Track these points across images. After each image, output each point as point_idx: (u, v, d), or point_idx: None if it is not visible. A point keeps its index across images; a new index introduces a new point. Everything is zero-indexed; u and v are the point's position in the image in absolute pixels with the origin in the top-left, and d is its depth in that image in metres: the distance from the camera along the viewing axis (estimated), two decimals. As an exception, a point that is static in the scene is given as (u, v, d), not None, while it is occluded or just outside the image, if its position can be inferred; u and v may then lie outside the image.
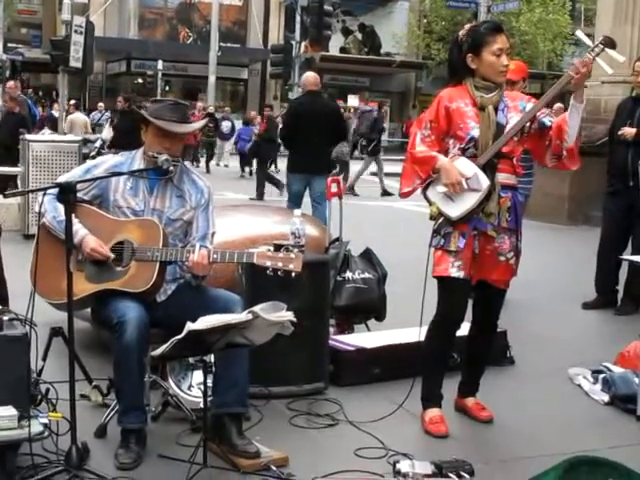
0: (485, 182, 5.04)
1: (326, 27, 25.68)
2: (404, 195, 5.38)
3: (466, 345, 5.62)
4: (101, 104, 33.27)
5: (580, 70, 4.95)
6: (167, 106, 5.09)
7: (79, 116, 26.59)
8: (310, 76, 11.94)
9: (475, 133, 5.11)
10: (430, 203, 5.21)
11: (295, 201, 11.07)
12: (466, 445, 5.15)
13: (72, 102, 28.76)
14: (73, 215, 4.50)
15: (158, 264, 4.79)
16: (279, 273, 4.63)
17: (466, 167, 5.07)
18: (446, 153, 5.22)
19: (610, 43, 5.06)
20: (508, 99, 5.26)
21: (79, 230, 4.80)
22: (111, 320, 4.68)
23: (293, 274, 4.63)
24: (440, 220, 5.19)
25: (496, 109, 5.16)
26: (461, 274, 5.17)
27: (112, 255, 4.84)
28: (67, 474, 4.20)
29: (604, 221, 9.17)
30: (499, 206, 5.15)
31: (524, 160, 8.84)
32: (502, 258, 5.24)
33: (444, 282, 5.23)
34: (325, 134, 11.22)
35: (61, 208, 4.66)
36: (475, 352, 5.60)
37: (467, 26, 5.36)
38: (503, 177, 5.17)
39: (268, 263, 4.63)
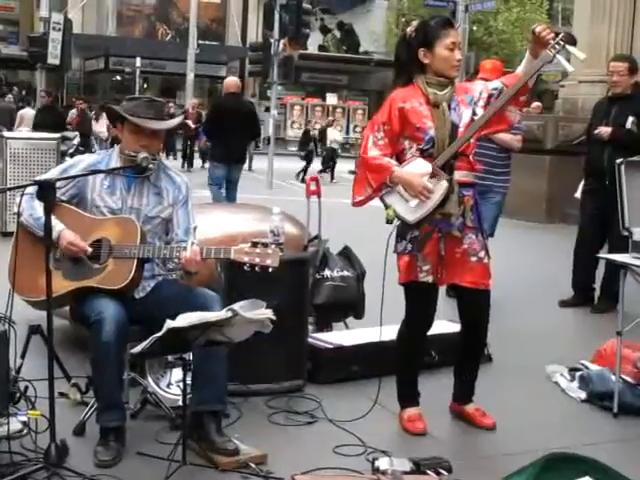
0: (443, 182, 4.97)
1: (305, 25, 25.68)
2: (357, 204, 5.24)
3: (458, 350, 5.54)
4: (80, 101, 32.50)
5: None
6: (143, 103, 5.08)
7: (28, 111, 26.83)
8: (231, 80, 14.21)
9: (432, 132, 5.04)
10: (386, 206, 5.11)
11: (217, 183, 13.30)
12: (444, 442, 5.18)
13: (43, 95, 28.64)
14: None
15: (136, 261, 4.80)
16: (256, 269, 4.64)
17: (422, 169, 5.00)
18: (401, 154, 5.15)
19: (571, 40, 5.03)
20: (457, 95, 5.18)
21: (56, 225, 4.78)
22: (88, 318, 4.68)
23: (270, 269, 4.64)
24: (399, 224, 5.12)
25: (449, 106, 5.11)
26: (430, 278, 5.15)
27: (89, 248, 4.84)
28: (46, 472, 4.20)
29: (581, 219, 9.22)
30: (463, 205, 5.11)
31: (501, 159, 8.93)
32: (474, 258, 5.18)
33: (412, 287, 5.21)
34: (243, 129, 13.17)
35: (38, 206, 4.67)
36: (464, 357, 5.52)
37: (415, 22, 5.29)
38: (461, 175, 5.10)
39: (245, 259, 4.64)
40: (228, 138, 12.81)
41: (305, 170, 27.45)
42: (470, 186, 5.19)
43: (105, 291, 4.77)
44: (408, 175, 5.00)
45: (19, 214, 4.84)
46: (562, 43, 4.94)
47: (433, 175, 4.96)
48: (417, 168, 5.02)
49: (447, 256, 5.15)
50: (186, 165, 29.30)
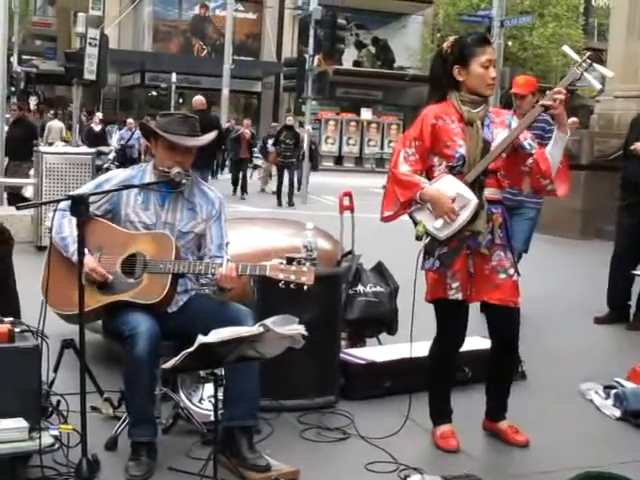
0: (473, 200, 4.95)
1: (339, 40, 25.71)
2: (386, 219, 5.20)
3: (487, 368, 5.50)
4: (130, 120, 30.30)
5: (555, 97, 4.90)
6: (176, 120, 5.10)
7: (56, 123, 27.27)
8: (199, 98, 17.40)
9: (463, 151, 5.01)
10: (416, 223, 5.07)
11: None
12: (477, 459, 5.14)
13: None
14: (74, 234, 4.60)
15: (170, 276, 4.81)
16: (291, 286, 4.64)
17: (451, 186, 4.97)
18: (430, 170, 5.12)
19: (596, 58, 5.03)
20: (493, 115, 5.18)
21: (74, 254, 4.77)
22: (122, 333, 4.68)
23: (305, 287, 4.65)
24: (428, 240, 5.05)
25: (482, 124, 5.08)
26: (459, 296, 5.11)
27: (110, 277, 4.86)
28: (77, 486, 4.21)
29: (617, 235, 9.14)
30: (492, 223, 5.07)
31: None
32: (503, 275, 5.12)
33: (442, 305, 5.18)
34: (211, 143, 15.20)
35: (67, 224, 4.73)
36: (495, 373, 5.46)
37: (452, 38, 5.23)
38: (489, 192, 5.08)
39: (281, 276, 4.65)
40: (199, 148, 14.40)
41: None
42: (499, 204, 5.16)
43: (139, 306, 4.79)
44: (437, 193, 4.96)
45: (52, 229, 4.87)
46: (589, 61, 4.92)
47: (460, 200, 4.93)
48: (446, 186, 4.98)
49: (476, 273, 5.11)
50: (239, 190, 25.57)
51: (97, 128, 28.35)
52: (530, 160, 5.10)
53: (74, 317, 4.67)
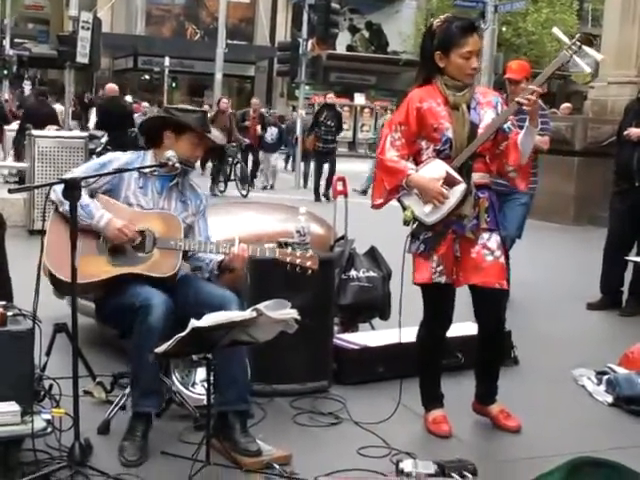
0: (461, 185, 4.95)
1: (333, 25, 25.62)
2: (376, 207, 5.21)
3: (476, 351, 5.47)
4: (145, 103, 28.82)
5: (529, 97, 4.91)
6: (202, 116, 5.21)
7: (58, 107, 27.16)
8: (111, 86, 19.41)
9: (450, 134, 4.99)
10: (404, 208, 5.08)
11: None
12: (469, 445, 5.15)
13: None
14: (96, 201, 4.81)
15: (181, 254, 4.90)
16: (297, 269, 4.80)
17: (438, 170, 4.97)
18: (418, 155, 5.12)
19: (587, 41, 5.00)
20: (480, 95, 5.16)
21: (104, 214, 4.85)
22: (132, 304, 4.68)
23: (310, 271, 4.82)
24: (415, 224, 5.08)
25: (468, 107, 5.06)
26: (443, 279, 5.09)
27: (138, 235, 4.89)
28: (70, 470, 4.19)
29: (611, 221, 9.14)
30: (478, 207, 5.05)
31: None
32: (490, 258, 5.08)
33: (428, 289, 5.17)
34: (122, 124, 17.77)
35: (84, 193, 4.68)
36: (483, 357, 5.43)
37: (442, 17, 5.22)
38: (478, 176, 5.06)
39: (288, 259, 4.82)
40: (113, 129, 17.28)
41: None
42: (486, 188, 5.14)
43: (150, 279, 4.83)
44: (423, 179, 4.97)
45: (56, 203, 4.87)
46: (579, 44, 4.91)
47: (449, 180, 4.92)
48: (433, 171, 4.98)
49: (463, 257, 5.10)
50: (247, 187, 20.26)
51: None
52: (504, 143, 5.10)
53: (79, 287, 4.51)
